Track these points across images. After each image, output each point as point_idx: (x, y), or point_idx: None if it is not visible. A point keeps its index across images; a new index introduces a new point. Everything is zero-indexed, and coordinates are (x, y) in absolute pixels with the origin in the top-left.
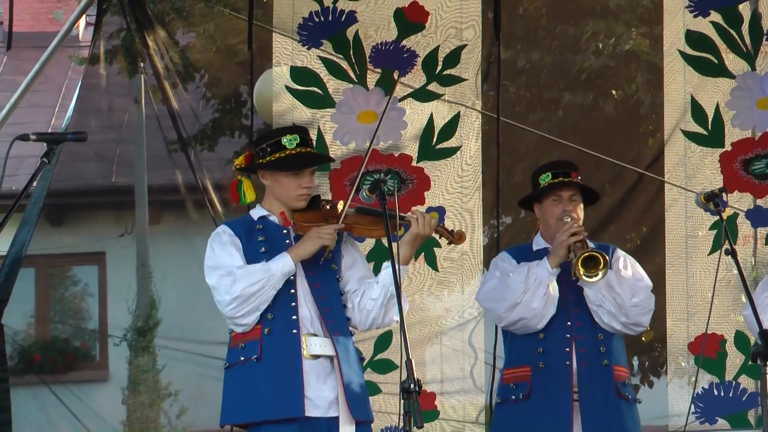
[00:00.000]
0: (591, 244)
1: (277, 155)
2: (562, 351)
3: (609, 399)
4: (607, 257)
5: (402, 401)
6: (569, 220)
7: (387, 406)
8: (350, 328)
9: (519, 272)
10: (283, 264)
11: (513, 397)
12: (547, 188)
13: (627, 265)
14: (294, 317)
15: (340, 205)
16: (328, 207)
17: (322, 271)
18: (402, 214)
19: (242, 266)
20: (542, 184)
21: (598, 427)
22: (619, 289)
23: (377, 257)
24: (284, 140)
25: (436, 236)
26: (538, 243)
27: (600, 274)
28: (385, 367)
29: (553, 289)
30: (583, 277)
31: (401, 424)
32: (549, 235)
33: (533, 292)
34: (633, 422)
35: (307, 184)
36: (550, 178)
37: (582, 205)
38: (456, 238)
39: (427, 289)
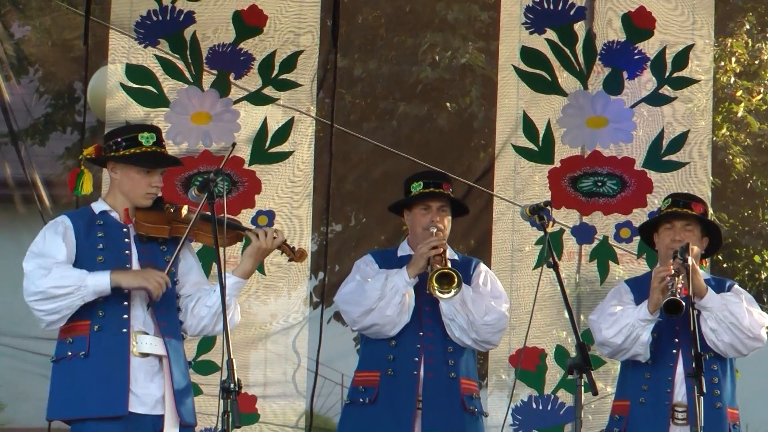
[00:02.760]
0: (457, 257)
1: (132, 150)
2: (411, 360)
3: (453, 411)
4: (461, 276)
5: (221, 401)
6: (435, 230)
7: (207, 408)
8: (181, 332)
9: (377, 279)
10: (99, 282)
11: (361, 400)
12: (418, 197)
13: (487, 282)
14: (125, 316)
15: (184, 210)
16: (171, 210)
17: None
18: (247, 227)
19: (62, 264)
20: (413, 193)
21: None
22: (473, 306)
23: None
24: (141, 137)
25: (278, 252)
26: (404, 249)
27: (452, 291)
28: (208, 368)
29: (410, 297)
30: (436, 293)
31: (220, 426)
32: (415, 243)
33: (388, 300)
34: None
35: (157, 183)
36: (421, 187)
37: (450, 217)
38: (297, 256)
39: (253, 293)
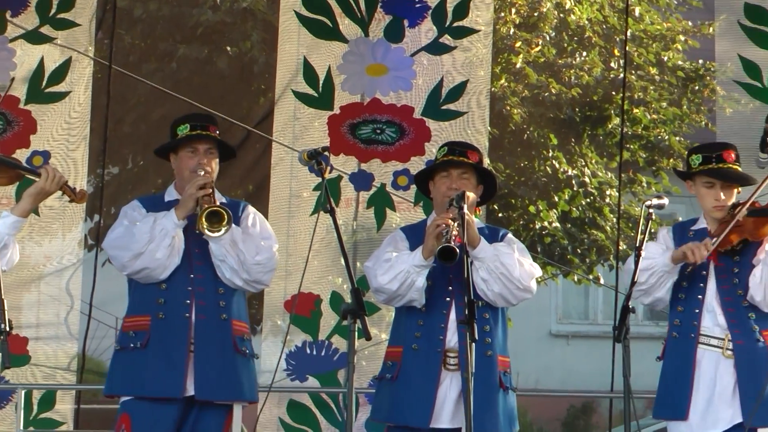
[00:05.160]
0: (225, 199)
1: None
2: (182, 303)
3: (225, 352)
4: (230, 214)
5: None
6: (203, 173)
7: None
8: None
9: (145, 222)
10: None
11: (131, 345)
12: (185, 139)
13: (256, 223)
14: None
15: None
16: None
17: None
18: (33, 167)
19: None
20: (180, 135)
21: (209, 378)
22: (243, 246)
23: None
24: None
25: (59, 192)
26: (171, 194)
27: (222, 230)
28: None
29: (179, 239)
30: (206, 232)
31: None
32: (182, 186)
33: (158, 243)
34: (248, 376)
35: None
36: (188, 129)
37: (217, 160)
38: (78, 197)
39: (27, 234)
